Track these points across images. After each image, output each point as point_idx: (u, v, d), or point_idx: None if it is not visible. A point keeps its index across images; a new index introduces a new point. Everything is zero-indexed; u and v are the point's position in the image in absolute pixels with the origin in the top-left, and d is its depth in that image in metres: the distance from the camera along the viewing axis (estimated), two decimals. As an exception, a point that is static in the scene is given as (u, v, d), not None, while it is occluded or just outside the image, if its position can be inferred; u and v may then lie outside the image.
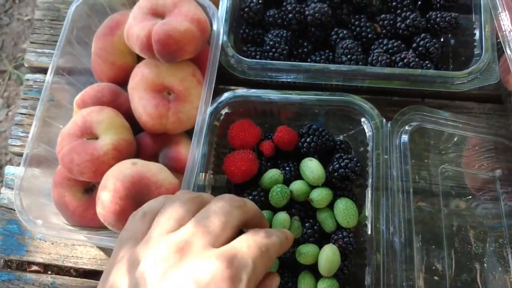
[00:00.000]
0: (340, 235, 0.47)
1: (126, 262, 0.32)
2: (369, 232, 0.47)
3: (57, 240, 0.54)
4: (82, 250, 0.53)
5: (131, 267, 0.31)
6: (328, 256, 0.45)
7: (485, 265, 0.50)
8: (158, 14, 0.48)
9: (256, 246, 0.33)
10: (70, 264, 0.53)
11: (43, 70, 0.63)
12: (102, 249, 0.53)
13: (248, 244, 0.33)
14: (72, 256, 0.53)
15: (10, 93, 1.61)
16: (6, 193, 0.57)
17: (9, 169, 0.58)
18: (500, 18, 0.49)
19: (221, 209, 0.34)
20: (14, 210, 0.55)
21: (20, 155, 0.59)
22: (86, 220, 0.49)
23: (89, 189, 0.50)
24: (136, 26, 0.47)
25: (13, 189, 0.56)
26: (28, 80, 0.62)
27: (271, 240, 0.34)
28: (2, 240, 0.54)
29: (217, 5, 0.52)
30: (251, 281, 0.31)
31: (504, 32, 0.48)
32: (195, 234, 0.32)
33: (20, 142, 0.59)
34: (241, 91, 0.51)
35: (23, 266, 0.54)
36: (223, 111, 0.51)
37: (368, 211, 0.48)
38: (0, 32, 1.69)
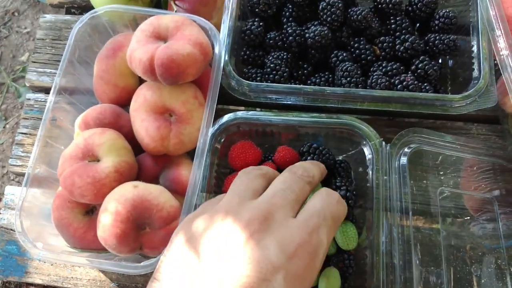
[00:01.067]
0: (341, 257, 0.47)
1: (210, 216, 0.34)
2: (369, 254, 0.47)
3: (56, 262, 0.54)
4: (82, 271, 0.53)
5: (215, 223, 0.34)
6: (328, 279, 0.45)
7: (484, 286, 0.50)
8: (160, 37, 0.49)
9: (332, 219, 0.36)
10: (69, 286, 0.53)
11: (44, 90, 0.63)
12: (102, 271, 0.53)
13: (324, 217, 0.35)
14: (72, 278, 0.53)
15: (8, 105, 1.61)
16: (5, 214, 0.57)
17: (9, 189, 0.58)
18: (497, 41, 0.49)
19: (296, 183, 0.37)
20: (14, 231, 0.55)
21: (21, 174, 0.60)
22: (87, 242, 0.49)
23: (90, 210, 0.50)
24: (138, 50, 0.47)
25: (12, 209, 0.57)
26: (29, 99, 0.62)
27: (340, 206, 0.37)
28: (1, 261, 0.54)
29: (218, 28, 0.53)
30: (323, 257, 0.34)
31: (502, 56, 0.49)
32: (274, 205, 0.34)
33: (20, 162, 0.59)
34: (242, 113, 0.51)
35: (22, 287, 0.54)
36: (224, 133, 0.51)
37: (368, 233, 0.48)
38: (-2, 45, 1.70)
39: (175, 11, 0.56)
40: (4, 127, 1.59)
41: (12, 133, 1.58)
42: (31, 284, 0.54)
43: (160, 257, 0.35)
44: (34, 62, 0.64)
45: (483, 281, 0.50)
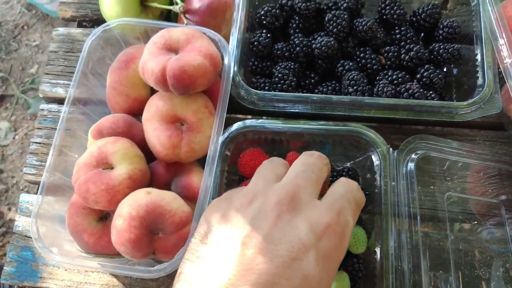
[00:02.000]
0: (350, 261, 0.48)
1: (238, 198, 0.36)
2: (378, 258, 0.48)
3: (71, 267, 0.55)
4: (95, 276, 0.54)
5: (244, 204, 0.35)
6: (338, 282, 0.46)
7: (493, 290, 0.50)
8: (172, 49, 0.51)
9: (355, 201, 0.37)
10: (83, 291, 0.54)
11: (58, 100, 0.65)
12: (115, 275, 0.54)
13: (348, 201, 0.36)
14: (86, 283, 0.54)
15: (17, 117, 1.64)
16: (20, 221, 0.58)
17: (24, 197, 0.59)
18: (501, 49, 0.51)
19: (315, 164, 0.38)
20: (29, 237, 0.57)
21: (35, 183, 0.61)
22: (101, 248, 0.50)
23: (104, 217, 0.51)
24: (151, 61, 0.49)
25: (27, 216, 0.58)
26: (42, 110, 0.64)
27: (360, 194, 0.38)
28: (16, 267, 0.55)
29: (227, 40, 0.55)
30: (350, 238, 0.35)
31: (505, 64, 0.50)
32: (298, 185, 0.36)
33: (34, 170, 0.60)
34: (251, 121, 0.52)
35: (37, 293, 0.55)
36: (234, 141, 0.53)
37: (376, 237, 0.49)
38: (8, 58, 1.73)
39: (186, 24, 0.57)
40: (13, 138, 1.61)
41: (21, 144, 1.60)
42: (46, 290, 0.55)
43: (190, 239, 0.36)
44: (47, 73, 0.66)
45: (491, 284, 0.51)
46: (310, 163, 0.38)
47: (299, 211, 0.34)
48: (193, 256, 0.34)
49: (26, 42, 1.77)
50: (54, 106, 0.64)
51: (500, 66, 0.50)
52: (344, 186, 0.38)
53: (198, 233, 0.36)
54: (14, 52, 1.75)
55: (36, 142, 0.62)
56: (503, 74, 0.50)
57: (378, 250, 0.48)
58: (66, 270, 0.55)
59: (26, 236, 0.57)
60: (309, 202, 0.35)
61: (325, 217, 0.33)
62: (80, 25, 0.71)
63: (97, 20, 0.70)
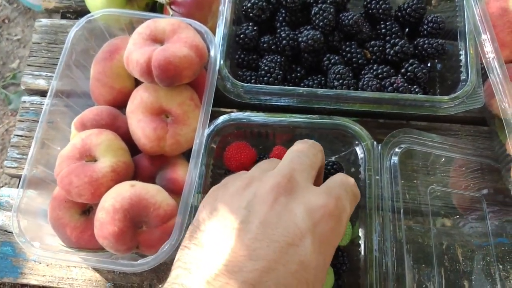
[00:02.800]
0: (334, 255, 0.48)
1: (235, 185, 0.36)
2: (362, 252, 0.48)
3: (53, 262, 0.54)
4: (78, 271, 0.53)
5: (240, 190, 0.35)
6: (323, 275, 0.46)
7: (474, 282, 0.51)
8: (157, 40, 0.50)
9: (352, 193, 0.37)
10: (65, 286, 0.53)
11: (40, 93, 0.64)
12: (97, 270, 0.53)
13: (346, 190, 0.36)
14: (67, 278, 0.53)
15: (-3, 112, 1.60)
16: (0, 215, 0.57)
17: (3, 191, 0.58)
18: (483, 45, 0.51)
19: (309, 150, 0.39)
20: (8, 232, 0.56)
21: (16, 176, 0.60)
22: (83, 242, 0.49)
23: (87, 210, 0.50)
24: (136, 52, 0.48)
25: (7, 210, 0.57)
26: (24, 102, 0.62)
27: (356, 189, 0.39)
28: (-4, 262, 0.54)
29: (214, 32, 0.54)
30: (346, 224, 0.35)
31: (488, 59, 0.51)
32: (294, 169, 0.36)
33: (16, 163, 0.59)
34: (236, 114, 0.52)
35: (17, 288, 0.54)
36: (220, 134, 0.52)
37: (360, 230, 0.49)
38: (-11, 52, 1.69)
39: (171, 15, 0.57)
40: (-6, 134, 1.58)
41: (1, 140, 1.57)
42: (26, 285, 0.54)
43: (189, 227, 0.36)
44: (30, 65, 0.64)
45: (473, 277, 0.51)
46: (304, 149, 0.39)
47: (296, 194, 0.34)
48: (190, 243, 0.34)
49: (7, 36, 1.74)
50: (36, 98, 0.63)
51: (483, 61, 0.51)
52: (341, 179, 0.38)
53: (196, 220, 0.36)
54: (-5, 46, 1.72)
55: (17, 135, 0.61)
56: (486, 69, 0.50)
57: (362, 243, 0.48)
58: (47, 265, 0.54)
59: (6, 231, 0.56)
60: (306, 186, 0.35)
61: (322, 200, 0.34)
62: (63, 17, 0.70)
63: (81, 12, 0.69)
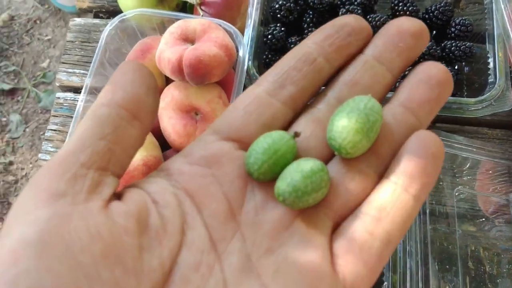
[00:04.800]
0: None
1: None
2: (386, 251, 0.48)
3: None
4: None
5: None
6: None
7: (499, 286, 0.51)
8: (188, 39, 0.51)
9: None
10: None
11: (73, 89, 0.66)
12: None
13: None
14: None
15: (28, 110, 1.65)
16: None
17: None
18: (512, 48, 0.51)
19: None
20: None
21: (49, 169, 0.62)
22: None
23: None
24: (167, 51, 0.50)
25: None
26: (58, 98, 0.65)
27: None
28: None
29: (242, 32, 0.55)
30: None
31: (517, 62, 0.50)
32: None
33: (50, 157, 0.62)
34: (264, 113, 0.53)
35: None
36: (247, 132, 0.53)
37: (385, 230, 0.49)
38: (21, 51, 1.75)
39: (202, 15, 0.58)
40: (24, 131, 1.63)
41: (32, 136, 1.62)
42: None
43: None
44: (64, 63, 0.67)
45: (498, 280, 0.51)
46: None
47: None
48: None
49: (38, 37, 1.79)
50: (70, 95, 0.65)
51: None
52: None
53: None
54: (27, 46, 1.77)
55: (51, 129, 0.63)
56: (515, 72, 0.50)
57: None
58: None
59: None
60: None
61: None
62: (96, 16, 0.72)
63: (113, 12, 0.71)
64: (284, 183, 0.22)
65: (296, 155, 0.25)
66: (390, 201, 0.22)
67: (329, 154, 0.26)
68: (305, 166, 0.22)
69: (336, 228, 0.23)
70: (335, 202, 0.23)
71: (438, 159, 0.23)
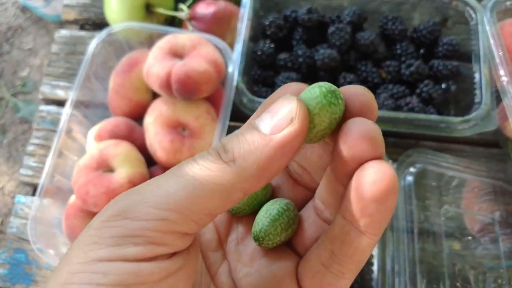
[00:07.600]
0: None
1: None
2: (375, 271, 0.48)
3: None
4: (89, 281, 0.53)
5: None
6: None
7: (486, 305, 0.51)
8: (177, 54, 0.51)
9: None
10: (76, 296, 0.53)
11: (57, 102, 0.64)
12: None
13: None
14: None
15: (6, 120, 1.61)
16: (14, 222, 0.57)
17: (19, 198, 0.59)
18: (498, 68, 0.52)
19: None
20: (22, 239, 0.56)
21: (30, 185, 0.60)
22: (97, 252, 0.49)
23: (101, 220, 0.51)
24: (156, 66, 0.49)
25: (22, 218, 0.57)
26: (41, 111, 0.63)
27: None
28: (8, 269, 0.54)
29: (232, 47, 0.55)
30: None
31: (502, 82, 0.51)
32: None
33: (31, 172, 0.60)
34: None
35: (29, 296, 0.54)
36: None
37: (374, 250, 0.49)
38: (0, 60, 1.71)
39: (191, 30, 0.58)
40: (1, 142, 1.58)
41: (8, 147, 1.58)
42: (38, 294, 0.54)
43: None
44: (48, 75, 0.65)
45: (485, 299, 0.51)
46: None
47: None
48: None
49: (18, 45, 1.76)
50: (53, 108, 0.63)
51: (497, 84, 0.52)
52: None
53: None
54: (7, 55, 1.74)
55: (34, 144, 0.61)
56: (500, 92, 0.51)
57: (375, 262, 0.48)
58: (59, 273, 0.54)
59: (20, 238, 0.56)
60: None
61: None
62: (82, 28, 0.71)
63: (100, 24, 0.70)
64: (257, 228, 0.24)
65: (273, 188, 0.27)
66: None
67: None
68: (272, 210, 0.24)
69: (304, 254, 0.25)
70: (304, 234, 0.25)
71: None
